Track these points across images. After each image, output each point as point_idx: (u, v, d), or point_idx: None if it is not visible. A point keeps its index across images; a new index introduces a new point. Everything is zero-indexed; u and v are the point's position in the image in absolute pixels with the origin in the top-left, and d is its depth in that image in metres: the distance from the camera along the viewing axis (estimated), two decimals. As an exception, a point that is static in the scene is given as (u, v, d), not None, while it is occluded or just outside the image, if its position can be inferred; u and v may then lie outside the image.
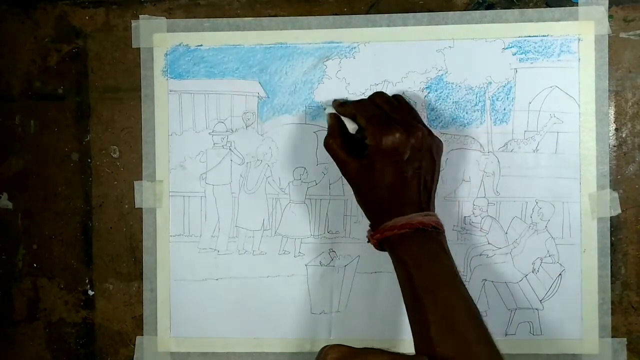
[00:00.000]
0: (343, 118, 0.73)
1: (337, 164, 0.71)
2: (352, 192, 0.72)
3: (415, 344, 0.64)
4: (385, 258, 0.76)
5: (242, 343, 0.79)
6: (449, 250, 0.68)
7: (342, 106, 0.74)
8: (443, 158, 0.76)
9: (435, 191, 0.71)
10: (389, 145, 0.66)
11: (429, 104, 0.77)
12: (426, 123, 0.77)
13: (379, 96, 0.73)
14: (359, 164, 0.69)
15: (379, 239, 0.68)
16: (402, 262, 0.66)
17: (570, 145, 0.76)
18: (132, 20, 0.79)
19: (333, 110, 0.74)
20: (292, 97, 0.78)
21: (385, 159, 0.67)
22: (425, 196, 0.69)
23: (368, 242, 0.71)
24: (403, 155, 0.67)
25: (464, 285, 0.65)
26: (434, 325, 0.62)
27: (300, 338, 0.79)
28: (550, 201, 0.76)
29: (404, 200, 0.67)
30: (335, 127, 0.73)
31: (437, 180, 0.71)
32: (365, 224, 0.77)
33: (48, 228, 0.81)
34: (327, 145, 0.71)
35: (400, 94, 0.76)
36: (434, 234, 0.67)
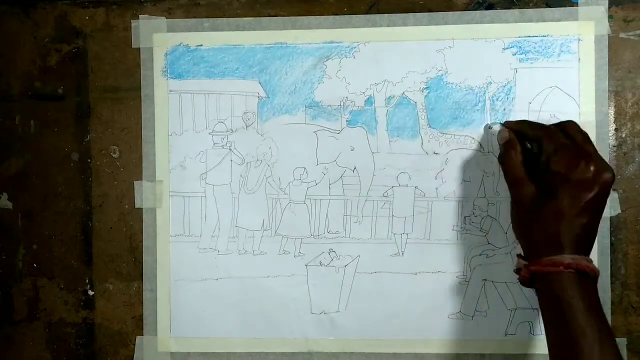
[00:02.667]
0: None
1: (508, 181, 0.69)
2: (509, 216, 0.70)
3: None
4: (384, 258, 0.76)
5: (242, 343, 0.79)
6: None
7: (520, 124, 0.71)
8: (443, 158, 0.77)
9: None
10: (581, 177, 0.63)
11: (429, 104, 0.77)
12: (426, 123, 0.77)
13: (572, 125, 0.69)
14: (537, 188, 0.66)
15: (533, 272, 0.64)
16: (554, 297, 0.63)
17: (570, 145, 0.76)
18: (132, 20, 0.79)
19: (500, 127, 0.72)
20: (292, 97, 0.78)
21: (572, 190, 0.63)
22: (592, 242, 0.66)
23: (515, 269, 0.68)
24: (589, 192, 0.63)
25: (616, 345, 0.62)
26: None
27: (301, 338, 0.79)
28: (550, 201, 0.76)
29: (577, 239, 0.63)
30: (516, 142, 0.69)
31: None
32: (365, 224, 0.77)
33: (48, 228, 0.81)
34: (508, 158, 0.68)
35: (400, 94, 0.77)
36: (594, 284, 0.64)
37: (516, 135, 0.70)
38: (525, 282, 0.66)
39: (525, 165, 0.68)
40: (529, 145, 0.69)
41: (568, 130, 0.67)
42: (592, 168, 0.63)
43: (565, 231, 0.63)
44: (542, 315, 0.64)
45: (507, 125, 0.72)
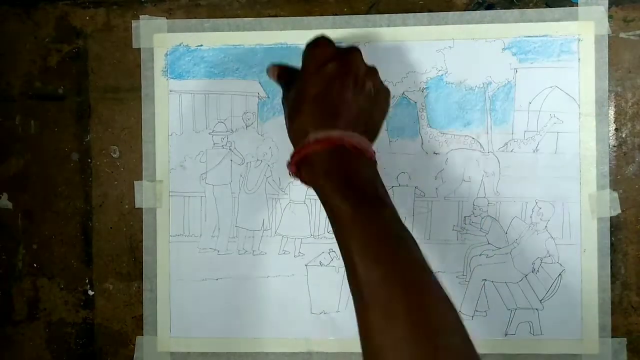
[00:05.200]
0: None
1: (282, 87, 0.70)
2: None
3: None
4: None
5: (242, 343, 0.79)
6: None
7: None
8: (443, 158, 0.77)
9: (377, 126, 0.67)
10: (319, 56, 0.64)
11: (429, 104, 0.77)
12: (426, 123, 0.77)
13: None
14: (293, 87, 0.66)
15: (297, 162, 0.62)
16: (313, 182, 0.61)
17: (570, 145, 0.76)
18: (132, 21, 0.80)
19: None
20: (292, 97, 0.78)
21: (313, 69, 0.64)
22: (351, 115, 0.63)
23: (290, 172, 0.64)
24: (333, 69, 0.63)
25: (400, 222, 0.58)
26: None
27: (300, 338, 0.79)
28: (550, 201, 0.76)
29: (328, 117, 0.62)
30: (281, 67, 0.72)
31: (380, 127, 0.68)
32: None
33: (48, 228, 0.81)
34: (272, 72, 0.72)
35: (400, 94, 0.77)
36: (364, 159, 0.61)
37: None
38: (303, 181, 0.63)
39: None
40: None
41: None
42: (329, 49, 0.65)
43: (313, 112, 0.62)
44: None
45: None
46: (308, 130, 0.61)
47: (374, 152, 0.63)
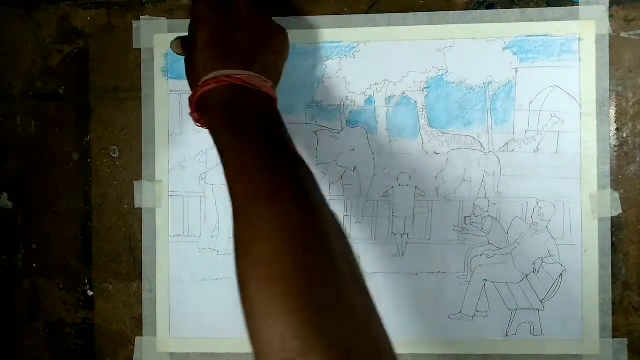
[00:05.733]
0: None
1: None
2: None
3: None
4: (384, 258, 0.76)
5: (242, 343, 0.79)
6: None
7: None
8: (443, 158, 0.76)
9: (278, 78, 0.69)
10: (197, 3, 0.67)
11: (430, 104, 0.77)
12: (426, 123, 0.77)
13: None
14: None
15: (194, 102, 0.64)
16: (214, 132, 0.62)
17: (571, 145, 0.76)
18: (133, 21, 0.80)
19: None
20: (292, 97, 0.78)
21: (202, 17, 0.66)
22: (253, 65, 0.64)
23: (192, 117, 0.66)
24: (218, 12, 0.66)
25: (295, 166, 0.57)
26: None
27: (300, 339, 0.78)
28: (551, 201, 0.76)
29: (220, 55, 0.64)
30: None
31: (280, 68, 0.70)
32: (365, 224, 0.77)
33: (48, 228, 0.81)
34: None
35: (400, 93, 0.77)
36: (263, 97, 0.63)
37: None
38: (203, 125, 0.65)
39: None
40: None
41: None
42: None
43: (197, 56, 0.64)
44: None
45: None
46: (200, 74, 0.63)
47: (271, 89, 0.64)
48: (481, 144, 0.77)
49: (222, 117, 0.60)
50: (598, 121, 0.75)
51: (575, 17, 0.75)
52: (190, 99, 0.64)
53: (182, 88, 0.79)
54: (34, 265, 0.81)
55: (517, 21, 0.76)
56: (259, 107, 0.62)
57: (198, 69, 0.64)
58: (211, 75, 0.62)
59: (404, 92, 0.77)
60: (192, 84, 0.66)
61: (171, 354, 0.80)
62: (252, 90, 0.62)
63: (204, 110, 0.63)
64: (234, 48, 0.64)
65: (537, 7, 0.76)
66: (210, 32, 0.65)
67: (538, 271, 0.76)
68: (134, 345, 0.80)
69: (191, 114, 0.65)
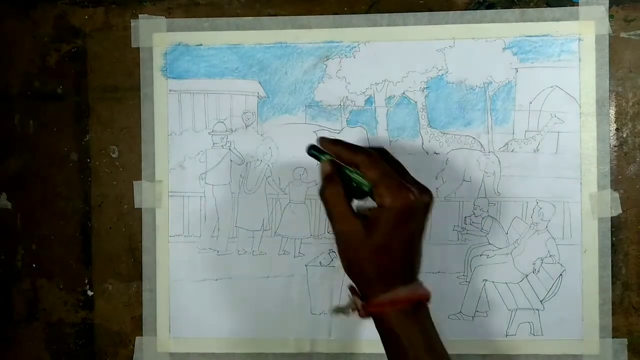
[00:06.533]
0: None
1: (331, 218, 0.62)
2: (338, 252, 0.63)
3: None
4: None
5: (241, 343, 0.79)
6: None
7: (336, 145, 0.63)
8: (443, 158, 0.77)
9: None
10: (406, 208, 0.58)
11: (430, 104, 0.77)
12: (426, 123, 0.77)
13: (386, 153, 0.66)
14: (361, 223, 0.60)
15: (373, 312, 0.61)
16: (394, 336, 0.60)
17: (570, 145, 0.76)
18: (131, 20, 0.79)
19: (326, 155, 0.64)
20: (292, 97, 0.78)
21: (399, 222, 0.59)
22: (421, 261, 0.63)
23: (348, 310, 0.64)
24: (415, 220, 0.60)
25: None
26: None
27: (300, 338, 0.79)
28: (550, 201, 0.76)
29: (406, 269, 0.61)
30: (334, 174, 0.63)
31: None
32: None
33: (47, 228, 0.81)
34: (328, 193, 0.62)
35: (400, 93, 0.77)
36: (427, 308, 0.62)
37: (335, 161, 0.63)
38: (364, 317, 0.63)
39: (347, 193, 0.62)
40: (347, 171, 0.62)
41: (384, 157, 0.64)
42: (411, 197, 0.59)
43: (395, 264, 0.60)
44: (385, 350, 0.62)
45: (322, 143, 0.64)
46: (374, 284, 0.61)
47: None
48: (481, 144, 0.77)
49: (417, 341, 0.60)
50: (598, 121, 0.75)
51: (575, 18, 0.75)
52: (368, 307, 0.61)
53: (182, 87, 0.79)
54: (34, 265, 0.81)
55: (517, 21, 0.76)
56: (432, 325, 0.63)
57: (385, 273, 0.61)
58: (402, 294, 0.60)
59: (404, 92, 0.77)
60: (366, 282, 0.62)
61: (171, 354, 0.80)
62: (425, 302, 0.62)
63: (379, 318, 0.61)
64: (415, 259, 0.62)
65: (537, 7, 0.76)
66: (412, 237, 0.61)
67: (538, 271, 0.76)
68: (134, 345, 0.80)
69: (360, 313, 0.62)
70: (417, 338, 0.60)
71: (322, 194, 0.62)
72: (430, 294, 0.62)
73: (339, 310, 0.65)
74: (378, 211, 0.59)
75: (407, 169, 0.76)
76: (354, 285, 0.63)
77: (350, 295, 0.63)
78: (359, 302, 0.62)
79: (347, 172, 0.62)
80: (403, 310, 0.60)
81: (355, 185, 0.61)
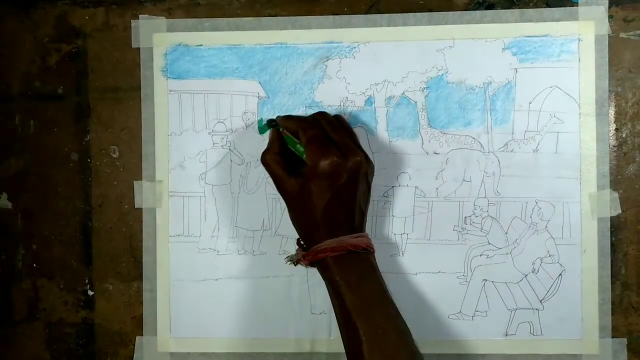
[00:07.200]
0: None
1: (273, 180, 0.72)
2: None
3: None
4: (384, 259, 0.76)
5: (242, 343, 0.79)
6: (379, 270, 0.69)
7: (288, 120, 0.73)
8: (443, 158, 0.77)
9: (367, 214, 0.72)
10: (326, 169, 0.67)
11: (429, 104, 0.77)
12: (426, 123, 0.77)
13: (321, 115, 0.73)
14: (295, 182, 0.69)
15: (311, 260, 0.68)
16: (334, 283, 0.67)
17: (570, 145, 0.76)
18: (131, 20, 0.79)
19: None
20: (292, 97, 0.78)
21: (322, 181, 0.67)
22: (359, 219, 0.70)
23: (296, 261, 0.72)
24: (339, 179, 0.67)
25: (394, 304, 0.67)
26: (366, 345, 0.63)
27: (300, 338, 0.79)
28: (550, 201, 0.76)
29: (337, 223, 0.68)
30: (275, 142, 0.73)
31: (369, 203, 0.72)
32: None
33: (48, 228, 0.81)
34: (263, 160, 0.72)
35: (400, 94, 0.77)
36: (365, 255, 0.68)
37: (279, 131, 0.74)
38: (309, 266, 0.71)
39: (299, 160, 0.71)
40: (287, 139, 0.73)
41: (320, 120, 0.72)
42: (334, 157, 0.67)
43: (324, 218, 0.68)
44: (331, 299, 0.69)
45: (278, 119, 0.75)
46: (315, 235, 0.69)
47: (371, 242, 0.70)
48: (481, 144, 0.77)
49: (347, 281, 0.67)
50: (597, 121, 0.76)
51: (575, 18, 0.76)
52: (307, 257, 0.69)
53: (182, 88, 0.79)
54: (34, 265, 0.81)
55: (516, 22, 0.76)
56: (375, 266, 0.70)
57: (314, 229, 0.69)
58: (334, 243, 0.67)
59: (404, 92, 0.77)
60: (305, 236, 0.71)
61: (171, 353, 0.80)
62: (368, 249, 0.69)
63: (320, 264, 0.69)
64: (358, 212, 0.70)
65: (536, 7, 0.76)
66: (337, 194, 0.68)
67: (537, 271, 0.76)
68: (134, 345, 0.80)
69: (303, 262, 0.70)
70: (355, 282, 0.67)
71: (262, 159, 0.72)
72: (367, 244, 0.68)
73: (290, 259, 0.74)
74: (307, 169, 0.68)
75: (407, 169, 0.77)
76: (300, 238, 0.72)
77: (296, 247, 0.73)
78: (300, 252, 0.70)
79: (287, 139, 0.73)
80: (342, 257, 0.67)
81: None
